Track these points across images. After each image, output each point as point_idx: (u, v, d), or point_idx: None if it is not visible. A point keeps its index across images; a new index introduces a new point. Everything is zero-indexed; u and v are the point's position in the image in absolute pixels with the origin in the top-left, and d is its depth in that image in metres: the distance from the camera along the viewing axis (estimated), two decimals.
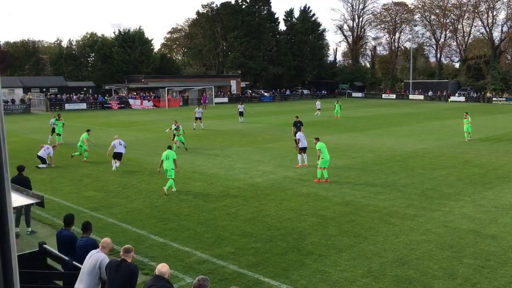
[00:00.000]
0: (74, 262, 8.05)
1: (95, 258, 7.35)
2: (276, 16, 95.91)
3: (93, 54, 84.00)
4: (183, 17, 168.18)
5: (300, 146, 21.45)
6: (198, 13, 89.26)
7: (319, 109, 47.91)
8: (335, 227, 12.70)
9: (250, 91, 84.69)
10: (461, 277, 9.51)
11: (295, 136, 25.96)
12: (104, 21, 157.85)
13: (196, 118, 36.61)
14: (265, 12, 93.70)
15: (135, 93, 68.98)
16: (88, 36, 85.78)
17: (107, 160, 22.08)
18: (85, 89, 68.90)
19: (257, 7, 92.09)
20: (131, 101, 65.12)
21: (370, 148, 26.73)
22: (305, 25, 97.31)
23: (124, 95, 68.99)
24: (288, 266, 10.16)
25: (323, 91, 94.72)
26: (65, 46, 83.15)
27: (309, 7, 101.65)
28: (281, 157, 23.62)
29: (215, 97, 72.07)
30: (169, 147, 17.91)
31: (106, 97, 66.43)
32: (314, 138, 19.34)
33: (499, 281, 9.27)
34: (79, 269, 7.51)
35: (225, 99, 75.79)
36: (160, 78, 75.33)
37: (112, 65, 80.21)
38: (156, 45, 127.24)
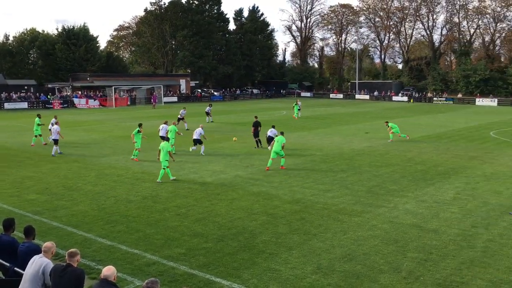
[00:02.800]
0: (15, 269, 7.69)
1: (38, 263, 7.04)
2: (226, 15, 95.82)
3: (33, 51, 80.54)
4: (130, 14, 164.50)
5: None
6: (146, 10, 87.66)
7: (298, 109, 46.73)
8: (285, 225, 12.85)
9: (199, 91, 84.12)
10: (406, 270, 9.87)
11: (255, 136, 26.21)
12: (47, 17, 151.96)
13: (179, 119, 36.63)
14: (215, 11, 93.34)
15: (80, 92, 66.81)
16: (27, 31, 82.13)
17: (51, 161, 21.20)
18: (26, 87, 65.82)
19: (207, 6, 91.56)
20: (75, 100, 63.00)
21: (319, 147, 27.23)
22: (255, 25, 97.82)
23: (68, 94, 66.65)
24: (239, 265, 10.17)
25: (272, 91, 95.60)
26: (0, 41, 79.03)
27: (257, 7, 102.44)
28: (232, 157, 23.61)
29: (164, 97, 71.02)
30: (166, 139, 19.56)
31: (49, 96, 63.88)
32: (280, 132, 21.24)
33: (441, 273, 9.69)
34: (21, 275, 7.18)
35: (175, 99, 74.88)
36: (106, 77, 73.35)
37: (55, 63, 77.24)
38: (102, 43, 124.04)
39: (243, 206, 14.73)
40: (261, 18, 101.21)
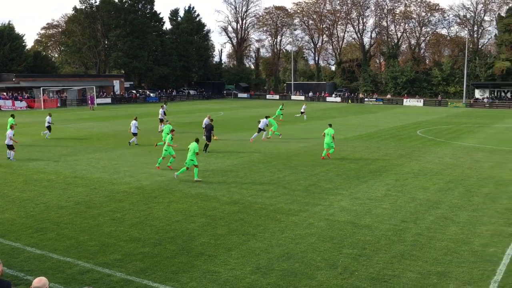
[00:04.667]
0: None
1: None
2: (160, 15, 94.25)
3: None
4: (59, 12, 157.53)
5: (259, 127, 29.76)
6: (75, 8, 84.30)
7: (302, 112, 47.60)
8: (224, 226, 12.83)
9: (134, 92, 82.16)
10: (341, 266, 10.17)
11: (208, 140, 25.68)
12: None
13: (161, 120, 35.81)
14: (148, 10, 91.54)
15: (4, 93, 63.12)
16: None
17: None
18: None
19: (140, 5, 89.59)
20: (0, 102, 59.47)
21: (257, 147, 27.45)
22: (191, 26, 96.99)
23: None
24: (178, 269, 10.03)
25: (209, 92, 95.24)
26: None
27: (193, 8, 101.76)
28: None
29: (97, 98, 68.67)
30: (196, 140, 18.77)
31: None
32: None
33: (374, 268, 10.08)
34: None
35: (108, 100, 72.64)
36: (34, 77, 69.80)
37: None
38: (29, 42, 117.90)
39: (181, 208, 14.55)
40: (197, 19, 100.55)
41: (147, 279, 9.54)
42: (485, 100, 77.95)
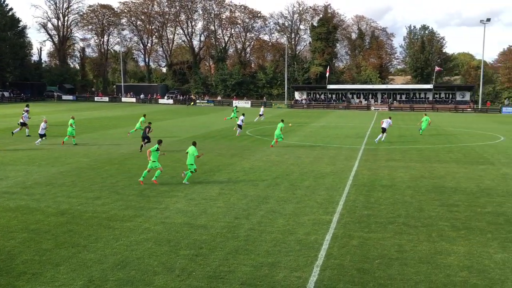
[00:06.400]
0: None
1: None
2: None
3: None
4: None
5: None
6: None
7: (261, 114, 50.36)
8: (50, 240, 11.78)
9: None
10: (179, 268, 10.17)
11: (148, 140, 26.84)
12: None
13: (23, 124, 32.11)
14: None
15: None
16: None
17: None
18: None
19: None
20: None
21: (85, 152, 25.87)
22: (3, 21, 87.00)
23: None
24: None
25: (28, 93, 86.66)
26: None
27: (4, 1, 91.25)
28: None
29: None
30: (194, 143, 18.72)
31: None
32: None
33: (211, 266, 10.31)
34: None
35: None
36: None
37: None
38: None
39: None
40: (10, 13, 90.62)
41: None
42: (303, 101, 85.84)
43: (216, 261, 10.55)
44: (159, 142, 18.80)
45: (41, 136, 28.55)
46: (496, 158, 25.55)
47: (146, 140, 27.08)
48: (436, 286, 9.38)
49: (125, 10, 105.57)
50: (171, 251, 11.15)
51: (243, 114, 38.66)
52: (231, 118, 46.87)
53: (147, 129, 27.59)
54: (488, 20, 75.18)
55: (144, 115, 33.97)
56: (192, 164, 18.28)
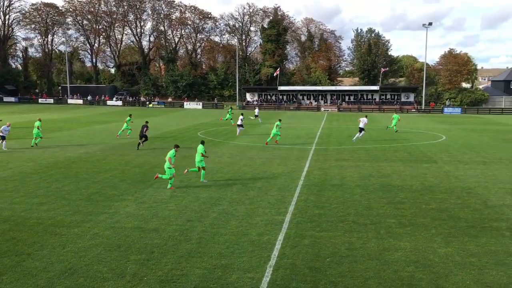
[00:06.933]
0: None
1: None
2: None
3: None
4: None
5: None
6: None
7: (256, 115, 51.82)
8: None
9: None
10: (130, 273, 9.94)
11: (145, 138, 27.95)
12: None
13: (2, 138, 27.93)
14: None
15: None
16: None
17: None
18: None
19: None
20: None
21: (29, 156, 24.83)
22: None
23: None
24: None
25: None
26: None
27: None
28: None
29: None
30: (202, 142, 19.73)
31: None
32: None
33: (163, 270, 10.15)
34: None
35: None
36: None
37: None
38: None
39: None
40: None
41: None
42: (255, 102, 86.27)
43: (168, 265, 10.40)
44: (176, 146, 18.71)
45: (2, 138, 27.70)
46: (439, 156, 26.68)
47: (143, 139, 28.61)
48: (385, 281, 9.67)
49: (71, 9, 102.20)
50: (121, 256, 10.89)
51: (242, 114, 40.56)
52: (226, 119, 47.16)
53: (145, 128, 28.65)
54: (430, 24, 78.52)
55: (130, 115, 35.53)
56: (201, 161, 19.18)
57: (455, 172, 21.68)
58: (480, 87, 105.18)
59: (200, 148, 19.30)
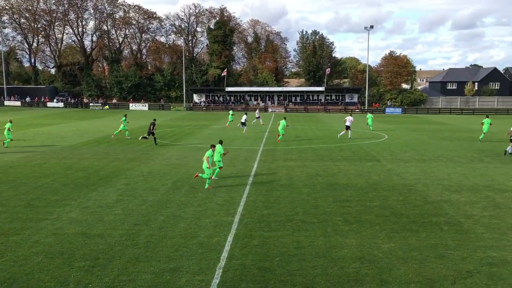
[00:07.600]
0: None
1: None
2: None
3: None
4: None
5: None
6: None
7: (257, 117, 50.88)
8: None
9: None
10: (74, 281, 9.59)
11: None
12: None
13: None
14: None
15: None
16: None
17: None
18: None
19: None
20: None
21: None
22: None
23: None
24: None
25: None
26: None
27: None
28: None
29: None
30: (220, 142, 19.94)
31: None
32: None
33: (109, 276, 9.86)
34: None
35: None
36: None
37: None
38: None
39: None
40: None
41: None
42: (202, 103, 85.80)
43: (114, 271, 10.13)
44: (212, 146, 19.09)
45: None
46: (382, 155, 27.60)
47: (151, 136, 30.43)
48: (332, 278, 9.88)
49: (7, 7, 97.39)
50: (64, 263, 10.49)
51: (246, 113, 43.24)
52: (230, 122, 46.93)
53: (152, 126, 30.08)
54: (372, 27, 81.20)
55: (125, 115, 35.83)
56: (219, 161, 19.38)
57: (396, 170, 22.51)
58: (419, 88, 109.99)
59: (219, 148, 19.43)
